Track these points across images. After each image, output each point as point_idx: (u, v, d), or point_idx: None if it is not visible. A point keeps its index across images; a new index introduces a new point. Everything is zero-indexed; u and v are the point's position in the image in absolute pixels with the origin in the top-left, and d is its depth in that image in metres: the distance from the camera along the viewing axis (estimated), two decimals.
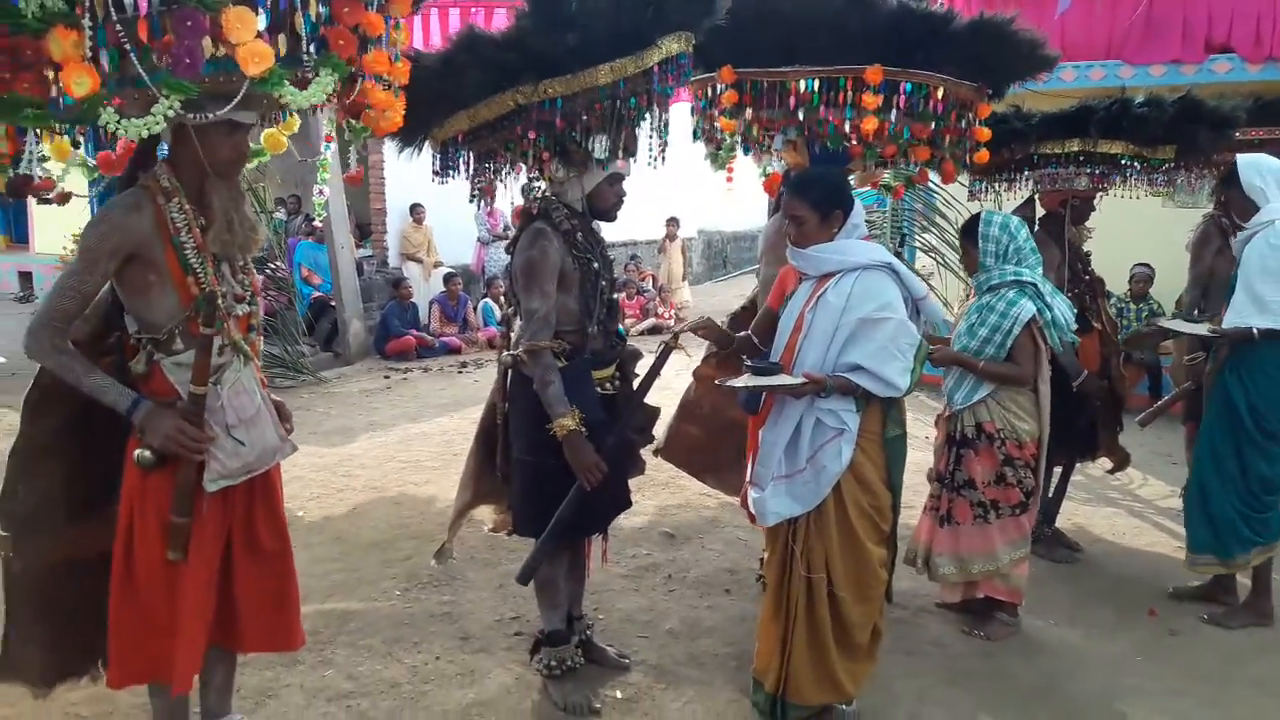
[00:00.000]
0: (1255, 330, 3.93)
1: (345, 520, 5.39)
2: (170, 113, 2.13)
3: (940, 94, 3.69)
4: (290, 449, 2.76)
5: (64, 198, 3.58)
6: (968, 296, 4.12)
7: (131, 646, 2.55)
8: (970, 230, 3.96)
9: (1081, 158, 4.76)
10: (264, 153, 2.93)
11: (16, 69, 2.14)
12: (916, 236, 9.41)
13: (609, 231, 3.75)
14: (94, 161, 2.74)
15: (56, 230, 13.52)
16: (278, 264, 10.75)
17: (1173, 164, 4.90)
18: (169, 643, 2.53)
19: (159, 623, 2.53)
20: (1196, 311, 5.31)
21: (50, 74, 2.06)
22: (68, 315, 2.45)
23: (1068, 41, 8.69)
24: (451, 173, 3.51)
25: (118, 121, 2.12)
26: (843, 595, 3.08)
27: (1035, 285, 3.81)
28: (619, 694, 3.50)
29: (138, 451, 2.46)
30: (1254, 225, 4.00)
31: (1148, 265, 8.27)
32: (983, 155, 4.03)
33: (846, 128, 3.64)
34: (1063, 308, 3.91)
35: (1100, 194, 4.97)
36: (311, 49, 2.25)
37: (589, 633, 3.71)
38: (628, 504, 3.70)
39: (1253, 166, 4.04)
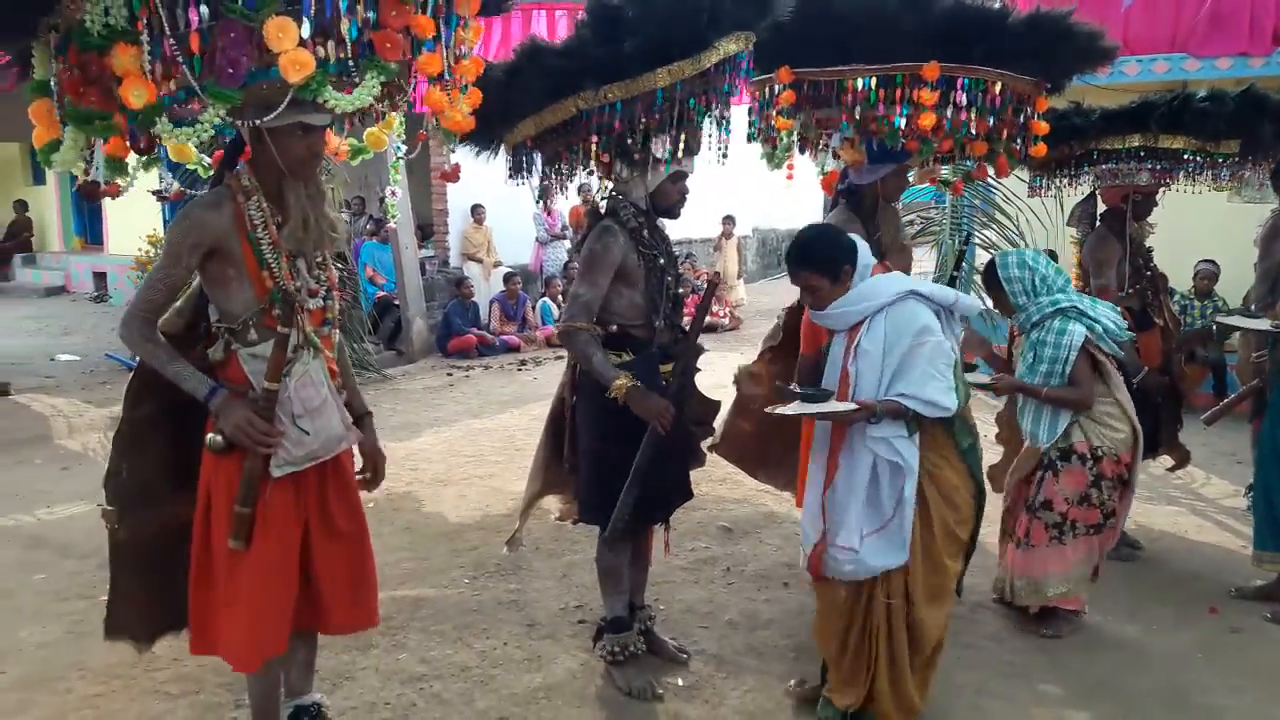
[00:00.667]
0: None
1: (414, 511, 5.56)
2: (216, 120, 2.27)
3: (998, 89, 3.73)
4: (355, 438, 2.88)
5: (179, 195, 3.74)
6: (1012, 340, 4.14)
7: (206, 619, 2.70)
8: (991, 277, 3.95)
9: (1142, 153, 4.75)
10: (368, 151, 3.06)
11: (86, 83, 2.30)
12: (977, 234, 9.36)
13: (674, 231, 3.85)
14: (209, 161, 2.92)
15: (130, 232, 13.97)
16: (344, 264, 11.01)
17: (1237, 159, 4.87)
18: (229, 623, 2.66)
19: (225, 603, 2.67)
20: (1254, 307, 5.28)
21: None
22: (156, 306, 2.61)
23: (1131, 35, 8.60)
24: (524, 175, 3.64)
25: (170, 130, 2.27)
26: (921, 616, 3.11)
27: (1076, 306, 3.82)
28: (680, 681, 3.59)
29: (210, 435, 2.61)
30: None
31: (1213, 262, 8.15)
32: (1040, 149, 4.04)
33: (903, 125, 3.68)
34: (1108, 315, 3.91)
35: (1162, 189, 4.95)
36: (355, 54, 2.34)
37: (651, 623, 3.81)
38: (689, 495, 3.78)
39: None
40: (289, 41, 2.17)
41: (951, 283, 4.98)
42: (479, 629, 4.02)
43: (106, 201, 17.43)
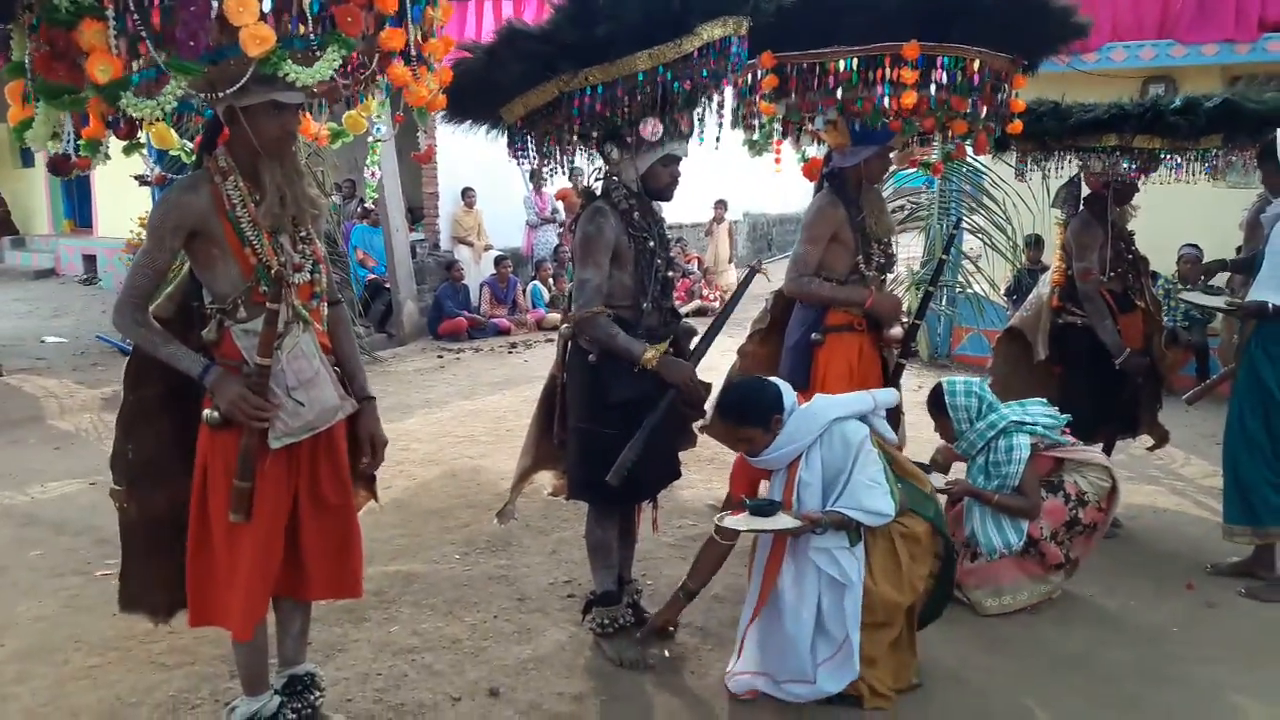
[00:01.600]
0: (1271, 305, 4.01)
1: (405, 490, 5.63)
2: (179, 92, 2.31)
3: (976, 66, 3.78)
4: (350, 407, 2.92)
5: (161, 179, 3.77)
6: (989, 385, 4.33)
7: (203, 591, 2.76)
8: (938, 403, 4.09)
9: (1119, 151, 4.80)
10: (347, 134, 3.11)
11: (54, 58, 2.34)
12: (965, 218, 9.43)
13: (668, 215, 3.91)
14: (191, 146, 2.95)
15: (120, 215, 13.94)
16: (334, 247, 11.03)
17: (1220, 150, 4.90)
18: (228, 593, 2.73)
19: (224, 574, 2.73)
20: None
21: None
22: (144, 291, 2.66)
23: (1119, 21, 8.68)
24: (524, 156, 3.69)
25: (134, 104, 2.32)
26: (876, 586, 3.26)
27: (1012, 421, 3.98)
28: (666, 653, 3.66)
29: (206, 411, 2.66)
30: None
31: (1195, 246, 8.23)
32: (1016, 126, 4.10)
33: (885, 104, 3.73)
34: (1042, 413, 4.10)
35: (1141, 180, 5.00)
36: (317, 28, 2.39)
37: (638, 597, 3.88)
38: (678, 474, 3.85)
39: None
40: (249, 16, 2.21)
41: (940, 266, 5.06)
42: (469, 603, 4.09)
43: (96, 184, 17.33)
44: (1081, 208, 5.04)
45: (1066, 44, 4.20)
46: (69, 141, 2.46)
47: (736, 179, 14.00)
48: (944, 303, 9.49)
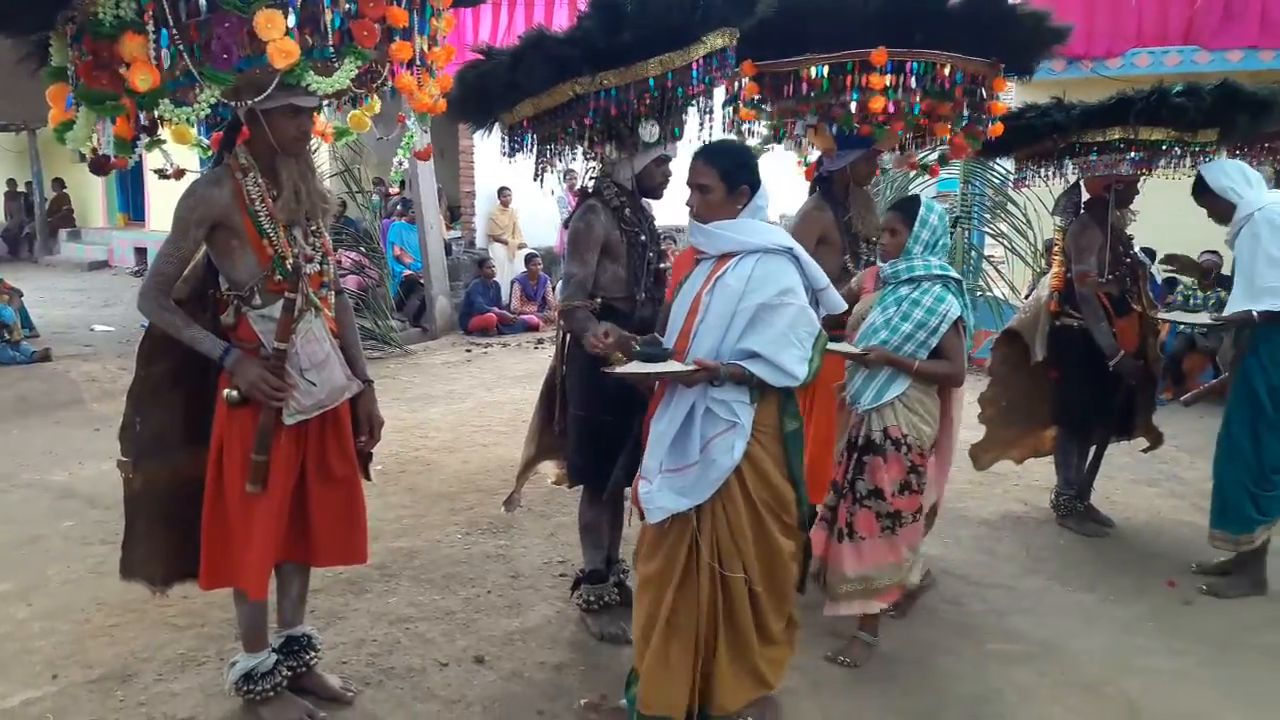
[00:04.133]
0: (1254, 313, 4.10)
1: (418, 474, 5.87)
2: (213, 100, 2.54)
3: (947, 71, 3.88)
4: (356, 387, 3.15)
5: (179, 173, 4.03)
6: (880, 286, 3.74)
7: (219, 556, 2.98)
8: (908, 210, 3.61)
9: (1122, 145, 4.90)
10: (350, 132, 3.32)
11: (97, 67, 2.57)
12: (986, 223, 9.51)
13: (661, 216, 4.10)
14: (207, 142, 3.19)
15: (170, 209, 14.42)
16: (371, 243, 11.34)
17: (1216, 146, 5.00)
18: (243, 555, 2.95)
19: (240, 538, 2.95)
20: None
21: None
22: (169, 278, 2.89)
23: (1143, 26, 8.72)
24: (520, 154, 3.90)
25: (172, 110, 2.55)
26: (759, 590, 2.96)
27: (959, 282, 3.61)
28: None
29: (226, 391, 2.89)
30: (1236, 224, 4.25)
31: (1215, 253, 8.23)
32: (996, 129, 4.19)
33: (854, 109, 3.87)
34: (972, 311, 3.74)
35: (1144, 177, 5.09)
36: (337, 42, 2.57)
37: (625, 577, 4.06)
38: None
39: (1215, 170, 4.36)
40: (276, 31, 2.43)
41: None
42: (466, 578, 4.31)
43: (149, 180, 17.84)
44: (1082, 212, 5.14)
45: (1048, 49, 4.28)
46: (109, 143, 2.70)
47: None
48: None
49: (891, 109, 3.84)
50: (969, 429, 6.09)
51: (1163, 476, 6.14)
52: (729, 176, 2.95)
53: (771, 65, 3.97)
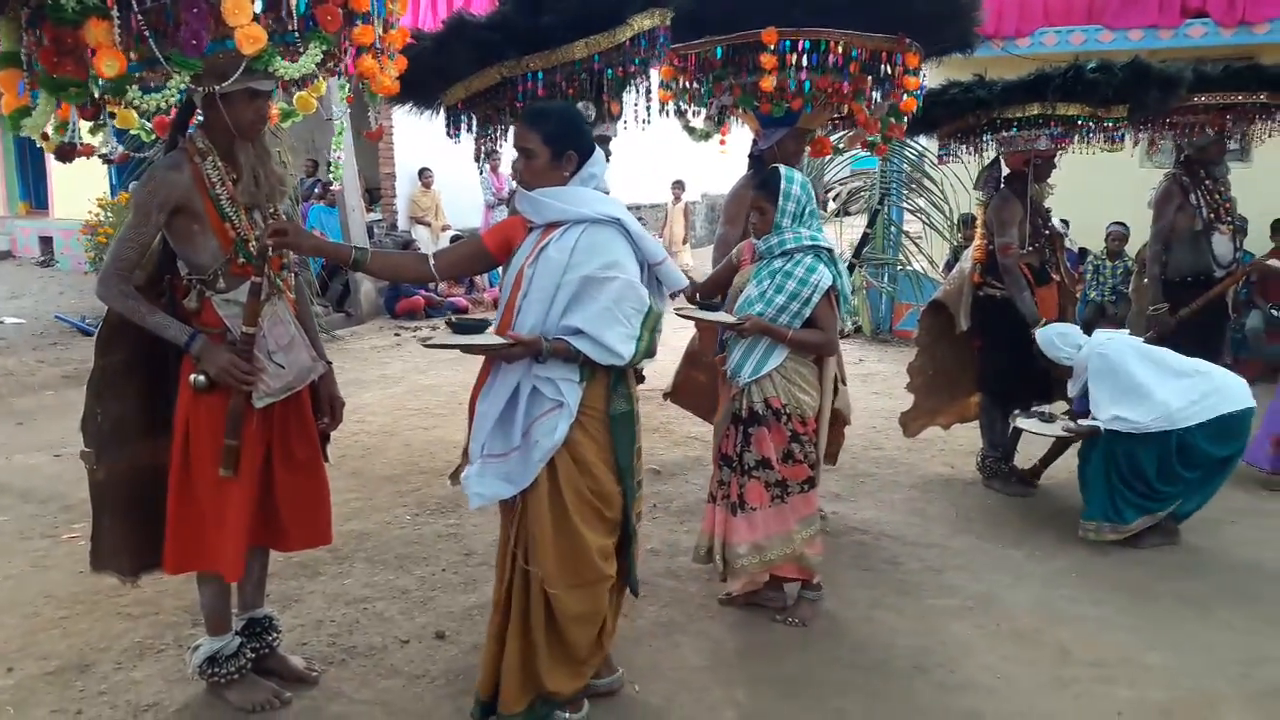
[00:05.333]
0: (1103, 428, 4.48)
1: (360, 459, 5.87)
2: (183, 86, 2.54)
3: (840, 48, 3.97)
4: (322, 368, 3.18)
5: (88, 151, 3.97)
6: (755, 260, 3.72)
7: (187, 540, 2.98)
8: (770, 186, 3.59)
9: (1041, 120, 5.12)
10: (296, 113, 3.32)
11: (60, 54, 2.55)
12: (905, 198, 9.78)
13: (617, 194, 4.16)
14: (150, 125, 3.16)
15: (77, 196, 13.95)
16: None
17: (1124, 121, 5.27)
18: (218, 539, 2.96)
19: (212, 523, 2.95)
20: (1160, 268, 5.77)
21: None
22: (130, 263, 2.87)
23: (1051, 7, 9.04)
24: (459, 135, 3.95)
25: (140, 97, 2.54)
26: (555, 592, 2.82)
27: (831, 251, 3.63)
28: None
29: (193, 376, 2.88)
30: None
31: (1122, 224, 8.62)
32: (909, 104, 4.31)
33: (749, 87, 3.96)
34: (847, 279, 3.76)
35: (1060, 152, 5.33)
36: (301, 27, 2.60)
37: None
38: None
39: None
40: (245, 17, 2.44)
41: (863, 240, 5.33)
42: (419, 558, 4.35)
43: (52, 166, 17.19)
44: (1003, 186, 5.36)
45: (966, 21, 4.38)
46: (73, 132, 2.67)
47: (696, 161, 14.29)
48: (885, 280, 9.84)
49: (790, 87, 3.93)
50: (898, 398, 6.33)
51: None
52: (553, 140, 2.82)
53: (683, 47, 4.06)
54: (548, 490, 2.81)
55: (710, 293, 3.81)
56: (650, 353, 2.84)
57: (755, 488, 3.65)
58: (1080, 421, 4.63)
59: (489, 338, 2.74)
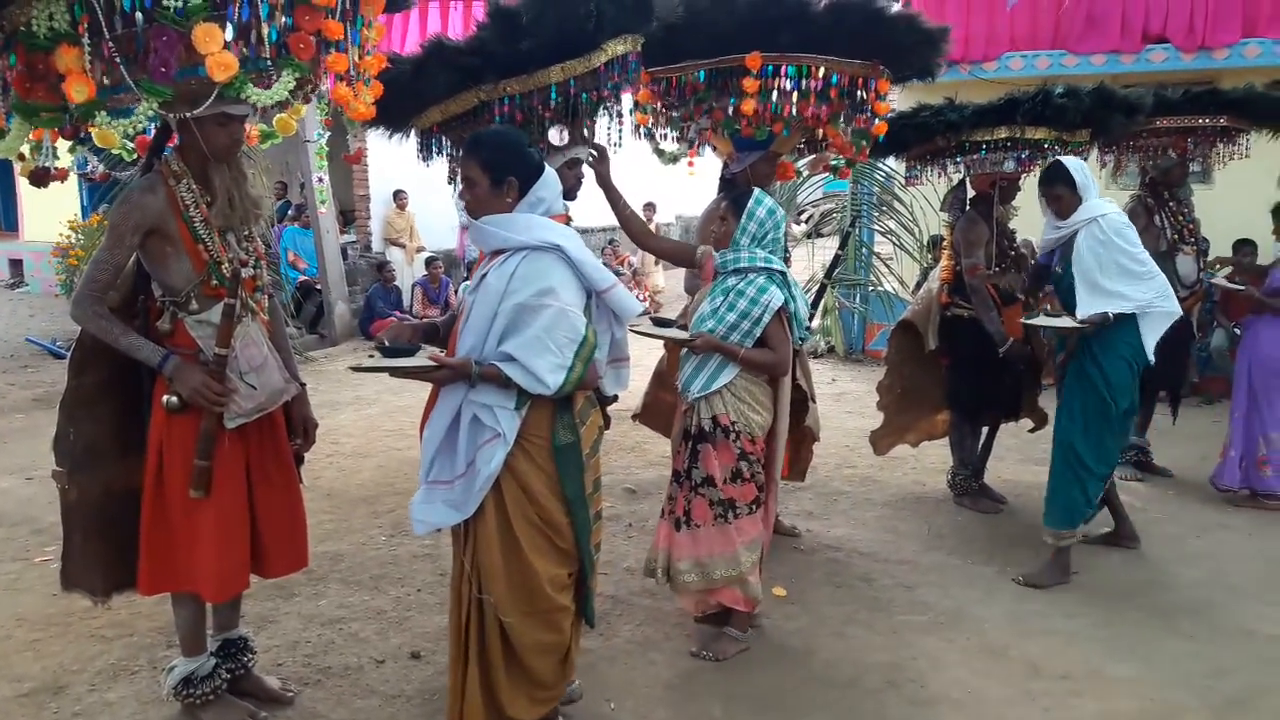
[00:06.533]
0: (1110, 315, 4.26)
1: (335, 480, 5.87)
2: (150, 113, 2.57)
3: (821, 73, 4.05)
4: (294, 389, 3.18)
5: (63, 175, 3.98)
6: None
7: (161, 562, 2.98)
8: (739, 201, 3.66)
9: (1009, 143, 5.22)
10: (276, 135, 3.34)
11: (33, 79, 2.58)
12: (875, 220, 9.91)
13: (592, 216, 4.23)
14: (132, 145, 3.18)
15: (47, 218, 13.84)
16: (265, 248, 11.15)
17: (1087, 145, 5.38)
18: (193, 559, 2.96)
19: (184, 543, 2.96)
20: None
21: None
22: (104, 285, 2.88)
23: (1017, 32, 9.22)
24: (433, 157, 3.99)
25: (109, 121, 2.57)
26: (509, 620, 2.82)
27: (784, 274, 3.66)
28: None
29: (166, 397, 2.89)
30: (1073, 224, 4.37)
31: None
32: (880, 128, 4.37)
33: (730, 112, 4.03)
34: (802, 302, 3.78)
35: (1025, 175, 5.43)
36: (274, 55, 2.62)
37: None
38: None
39: (1077, 166, 4.42)
40: (215, 44, 2.47)
41: (835, 261, 5.41)
42: (394, 578, 4.36)
43: (22, 188, 17.02)
44: (969, 208, 5.46)
45: (932, 49, 4.47)
46: (47, 155, 2.69)
47: (669, 182, 14.38)
48: (857, 300, 9.95)
49: (769, 112, 4.01)
50: (870, 417, 6.40)
51: (1048, 455, 6.49)
52: (491, 168, 2.80)
53: (662, 71, 4.13)
54: (495, 519, 2.80)
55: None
56: (586, 383, 2.80)
57: (700, 504, 3.64)
58: (1079, 314, 4.38)
59: (418, 360, 2.75)
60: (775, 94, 3.99)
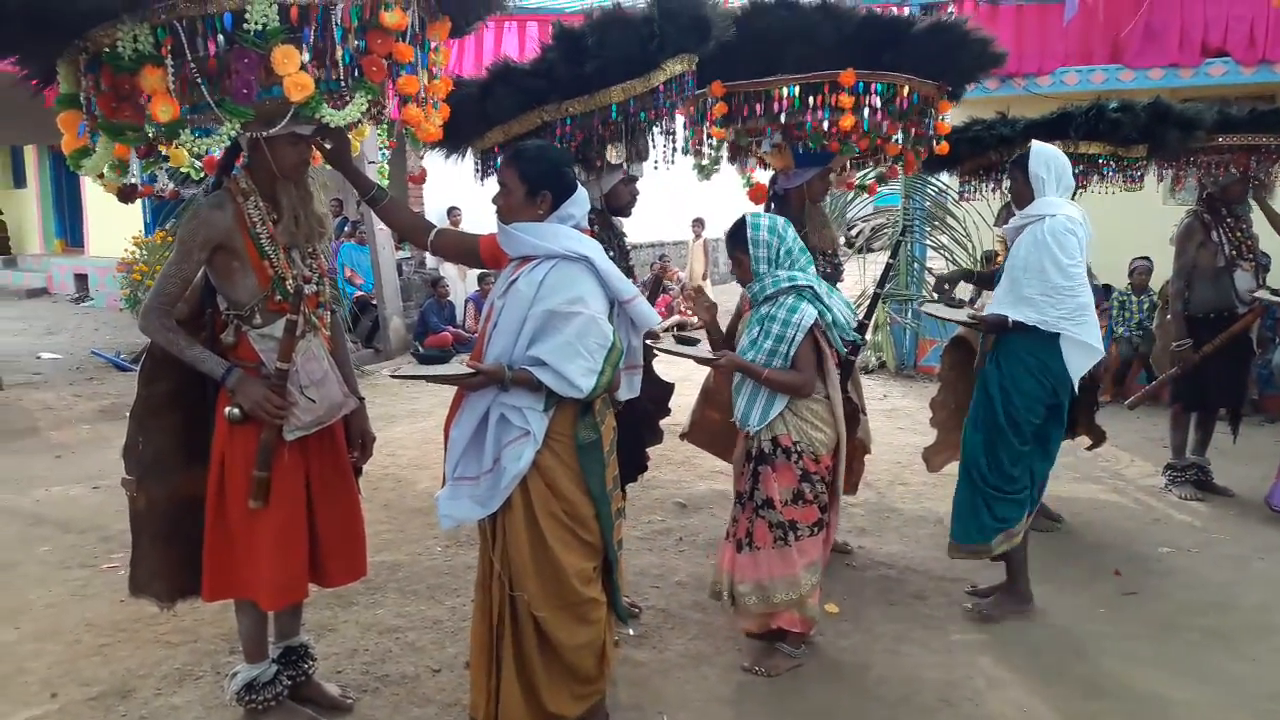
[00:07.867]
0: (1010, 320, 3.97)
1: (392, 491, 5.97)
2: (233, 133, 2.67)
3: (905, 91, 4.12)
4: (353, 403, 3.26)
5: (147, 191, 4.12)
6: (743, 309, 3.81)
7: (222, 570, 3.06)
8: (738, 236, 3.63)
9: None
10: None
11: (118, 99, 2.69)
12: (929, 235, 9.85)
13: (642, 232, 4.28)
14: (200, 164, 3.29)
15: (111, 234, 14.24)
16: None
17: (1145, 161, 5.34)
18: (251, 569, 3.04)
19: (243, 553, 3.04)
20: (1182, 304, 5.76)
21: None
22: (172, 298, 2.98)
23: (1072, 46, 9.12)
24: (489, 177, 4.07)
25: (193, 140, 2.66)
26: (542, 615, 2.91)
27: (813, 288, 3.57)
28: (631, 631, 3.99)
29: (228, 409, 2.98)
30: (1024, 217, 4.04)
31: (1147, 258, 8.63)
32: (944, 148, 4.42)
33: (825, 127, 4.06)
34: (841, 307, 3.67)
35: (1079, 191, 5.39)
36: (347, 76, 2.71)
37: None
38: (644, 467, 4.21)
39: (1040, 156, 4.01)
40: (293, 66, 2.56)
41: (886, 270, 5.40)
42: (450, 589, 4.43)
43: (88, 204, 17.49)
44: None
45: (986, 71, 4.53)
46: (133, 172, 2.79)
47: (718, 199, 14.44)
48: (909, 316, 9.89)
49: (865, 129, 4.07)
50: (922, 433, 6.36)
51: (1105, 474, 6.44)
52: (528, 179, 2.92)
53: (741, 85, 4.17)
54: (523, 515, 2.90)
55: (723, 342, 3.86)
56: (612, 387, 2.95)
57: (761, 527, 3.61)
58: (988, 310, 4.17)
59: (454, 367, 2.88)
60: (866, 110, 4.03)
